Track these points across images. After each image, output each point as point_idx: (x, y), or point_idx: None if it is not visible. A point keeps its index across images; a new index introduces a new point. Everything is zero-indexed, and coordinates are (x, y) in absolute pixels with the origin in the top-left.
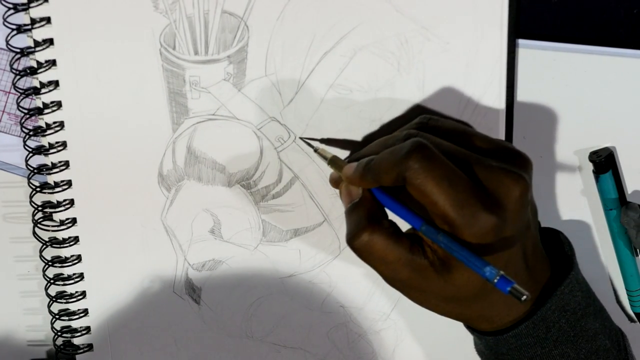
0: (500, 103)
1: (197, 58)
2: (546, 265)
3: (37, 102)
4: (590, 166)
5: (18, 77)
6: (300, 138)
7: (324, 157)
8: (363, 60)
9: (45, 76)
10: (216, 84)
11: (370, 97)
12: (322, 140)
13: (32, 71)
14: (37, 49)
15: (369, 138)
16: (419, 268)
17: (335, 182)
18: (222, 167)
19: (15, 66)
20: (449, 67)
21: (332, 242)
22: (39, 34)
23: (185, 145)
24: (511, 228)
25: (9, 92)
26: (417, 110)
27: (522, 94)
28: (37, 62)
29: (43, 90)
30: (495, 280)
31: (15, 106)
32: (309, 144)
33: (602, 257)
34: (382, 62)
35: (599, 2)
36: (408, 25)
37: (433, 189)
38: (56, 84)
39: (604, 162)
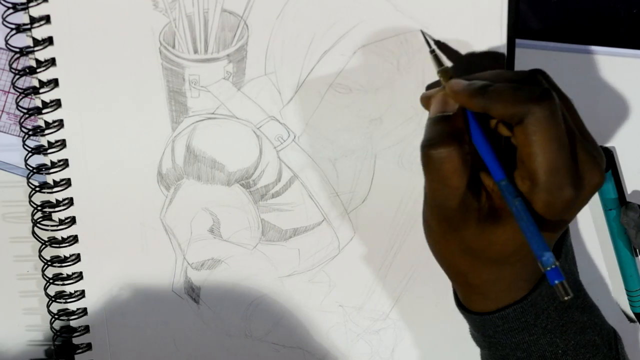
0: None
1: (196, 57)
2: None
3: (37, 101)
4: None
5: (17, 76)
6: (421, 31)
7: (437, 63)
8: (363, 59)
9: (44, 75)
10: (216, 82)
11: (370, 96)
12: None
13: (31, 70)
14: (37, 48)
15: None
16: (466, 206)
17: (426, 99)
18: (222, 166)
19: (14, 65)
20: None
21: (332, 241)
22: (39, 32)
23: (185, 144)
24: (575, 209)
25: (8, 92)
26: (417, 109)
27: None
28: (37, 60)
29: (42, 90)
30: (548, 269)
31: (14, 106)
32: (428, 42)
33: (602, 257)
34: (382, 61)
35: (598, 1)
36: (408, 25)
37: (542, 144)
38: (55, 82)
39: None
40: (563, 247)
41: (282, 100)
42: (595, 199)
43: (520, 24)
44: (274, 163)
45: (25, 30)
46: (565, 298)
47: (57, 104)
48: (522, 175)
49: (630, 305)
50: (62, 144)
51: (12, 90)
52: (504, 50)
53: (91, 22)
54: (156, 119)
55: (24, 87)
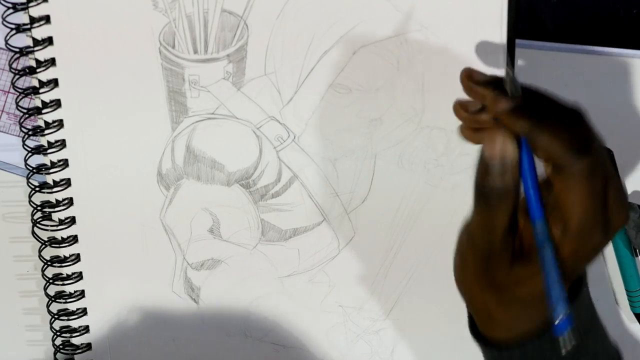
0: None
1: (196, 57)
2: None
3: (36, 101)
4: None
5: (17, 76)
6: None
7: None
8: (362, 59)
9: (44, 75)
10: (215, 82)
11: (370, 96)
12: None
13: (31, 70)
14: (37, 48)
15: None
16: (505, 244)
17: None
18: (222, 166)
19: (14, 65)
20: (448, 66)
21: (331, 241)
22: (39, 32)
23: (185, 144)
24: (597, 255)
25: (8, 92)
26: (417, 110)
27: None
28: (37, 60)
29: (42, 90)
30: (557, 321)
31: (14, 106)
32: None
33: (602, 257)
34: (382, 62)
35: (598, 2)
36: (408, 25)
37: (580, 196)
38: (55, 82)
39: None
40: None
41: (282, 101)
42: None
43: (521, 24)
44: (274, 163)
45: (25, 30)
46: (563, 351)
47: (57, 104)
48: (554, 217)
49: (630, 306)
50: (62, 144)
51: (12, 90)
52: (504, 53)
53: (91, 22)
54: (156, 119)
55: (23, 87)
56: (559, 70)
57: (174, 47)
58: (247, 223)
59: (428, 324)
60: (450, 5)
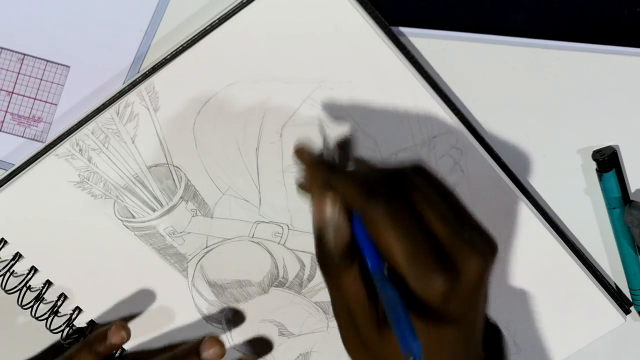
0: (427, 96)
1: (157, 214)
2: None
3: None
4: (593, 165)
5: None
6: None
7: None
8: (293, 136)
9: (49, 295)
10: (189, 224)
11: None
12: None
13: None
14: (15, 273)
15: None
16: (367, 314)
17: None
18: (248, 282)
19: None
20: (366, 99)
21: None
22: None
23: (204, 282)
24: (463, 296)
25: (12, 93)
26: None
27: (525, 93)
28: (26, 280)
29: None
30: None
31: (17, 106)
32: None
33: (605, 255)
34: (310, 127)
35: (602, 0)
36: (306, 88)
37: (390, 236)
38: (79, 311)
39: (607, 161)
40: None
41: (254, 205)
42: (599, 197)
43: (524, 23)
44: (288, 255)
45: None
46: None
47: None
48: (393, 270)
49: (634, 304)
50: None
51: (15, 91)
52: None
53: (57, 243)
54: (164, 278)
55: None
56: (562, 68)
57: (133, 217)
58: (306, 313)
59: None
60: (323, 49)
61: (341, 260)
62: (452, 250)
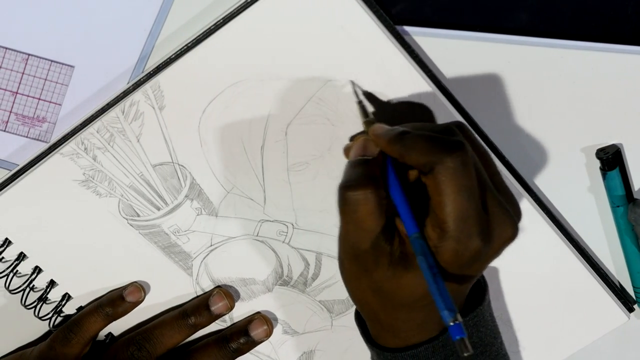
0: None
1: (162, 212)
2: (462, 304)
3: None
4: (597, 163)
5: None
6: (351, 81)
7: (363, 114)
8: (297, 134)
9: (53, 294)
10: (194, 222)
11: (327, 157)
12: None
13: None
14: (19, 273)
15: None
16: (379, 249)
17: (347, 150)
18: (252, 280)
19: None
20: (371, 97)
21: None
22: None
23: (209, 280)
24: (484, 260)
25: (17, 93)
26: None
27: (529, 92)
28: (30, 280)
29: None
30: (451, 324)
31: (22, 106)
32: (356, 92)
33: (609, 253)
34: (315, 126)
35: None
36: (311, 87)
37: (451, 194)
38: (68, 297)
39: (611, 159)
40: (486, 294)
41: (259, 203)
42: (603, 196)
43: (528, 22)
44: (293, 254)
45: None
46: (465, 354)
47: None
48: (432, 223)
49: (637, 301)
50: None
51: (20, 91)
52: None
53: (60, 242)
54: (170, 276)
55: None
56: (566, 67)
57: (138, 215)
58: (310, 311)
59: None
60: (328, 44)
61: (366, 183)
62: (493, 215)
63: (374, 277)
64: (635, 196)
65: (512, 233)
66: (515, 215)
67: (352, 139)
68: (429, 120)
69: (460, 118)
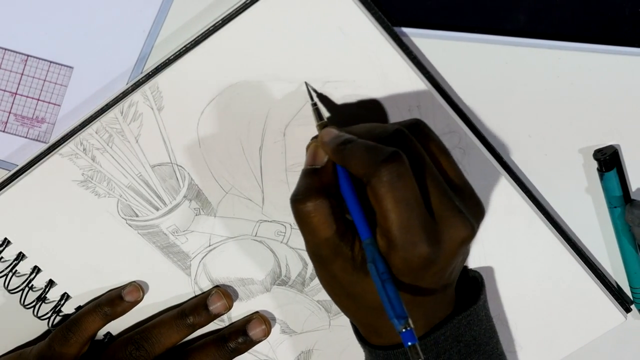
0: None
1: (160, 212)
2: (451, 304)
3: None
4: (594, 164)
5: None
6: (305, 82)
7: (317, 117)
8: (296, 135)
9: (52, 294)
10: (192, 222)
11: None
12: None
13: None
14: (18, 273)
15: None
16: (340, 255)
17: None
18: (250, 280)
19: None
20: (370, 98)
21: None
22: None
23: (208, 280)
24: (440, 264)
25: (16, 94)
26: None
27: (528, 93)
28: (29, 280)
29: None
30: (403, 330)
31: (21, 107)
32: (310, 96)
33: (606, 254)
34: (313, 127)
35: (603, 0)
36: (300, 88)
37: (389, 205)
38: (67, 297)
39: (609, 160)
40: (481, 293)
41: (257, 203)
42: (600, 196)
43: (525, 23)
44: (291, 254)
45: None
46: None
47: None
48: (380, 232)
49: (635, 302)
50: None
51: (19, 92)
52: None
53: (60, 242)
54: (168, 276)
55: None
56: (564, 68)
57: (137, 215)
58: (308, 311)
59: None
60: (326, 47)
61: (314, 194)
62: (440, 218)
63: (342, 282)
64: (633, 197)
65: (465, 233)
66: (471, 214)
67: (308, 146)
68: (381, 120)
69: (457, 119)
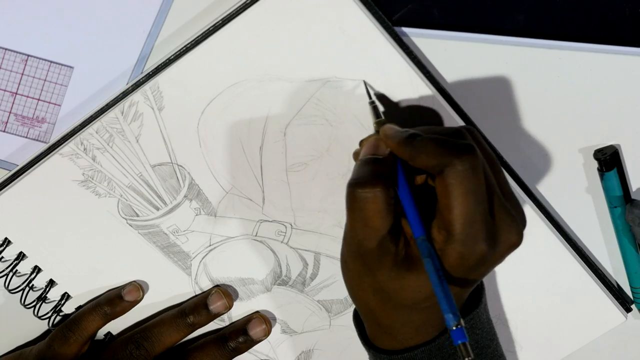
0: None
1: (161, 212)
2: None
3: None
4: (595, 164)
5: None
6: (364, 81)
7: (375, 114)
8: (296, 135)
9: (52, 293)
10: (193, 222)
11: (326, 158)
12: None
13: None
14: (19, 272)
15: None
16: (384, 249)
17: (356, 155)
18: (251, 279)
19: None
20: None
21: None
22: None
23: (208, 279)
24: (488, 265)
25: (16, 93)
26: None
27: (528, 93)
28: (29, 280)
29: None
30: (454, 327)
31: (21, 107)
32: (368, 92)
33: (606, 254)
34: (314, 127)
35: (603, 1)
36: (310, 87)
37: (459, 197)
38: (67, 296)
39: (609, 160)
40: (482, 296)
41: (258, 203)
42: (601, 196)
43: (525, 23)
44: (291, 254)
45: None
46: (466, 359)
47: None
48: (439, 226)
49: (635, 302)
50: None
51: (19, 92)
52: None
53: (58, 238)
54: (168, 276)
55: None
56: (564, 68)
57: (137, 215)
58: (309, 311)
59: None
60: (325, 46)
61: (375, 181)
62: (499, 220)
63: (377, 276)
64: (633, 197)
65: (516, 239)
66: (520, 222)
67: (362, 143)
68: (437, 123)
69: (457, 118)
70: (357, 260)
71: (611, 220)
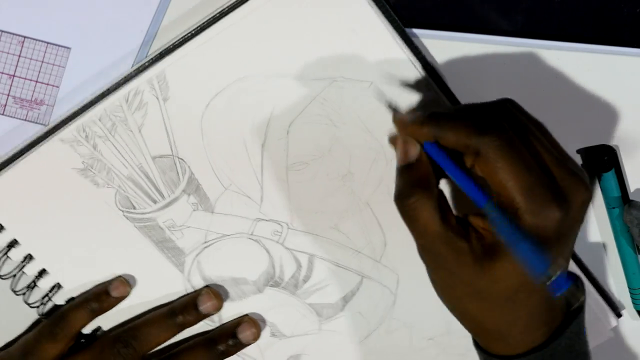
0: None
1: (158, 206)
2: (563, 308)
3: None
4: (593, 165)
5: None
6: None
7: (393, 109)
8: (299, 133)
9: (44, 282)
10: (189, 218)
11: (327, 158)
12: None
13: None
14: (10, 259)
15: None
16: (457, 249)
17: (392, 140)
18: (243, 279)
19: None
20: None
21: (382, 290)
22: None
23: (200, 277)
24: (569, 229)
25: (14, 76)
26: (374, 149)
27: (525, 93)
28: (20, 267)
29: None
30: (554, 277)
31: (19, 90)
32: (381, 93)
33: (604, 255)
34: (318, 126)
35: (602, 1)
36: (317, 86)
37: (508, 167)
38: (59, 286)
39: (607, 161)
40: (583, 298)
41: (256, 201)
42: (599, 197)
43: (524, 23)
44: (286, 255)
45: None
46: (576, 304)
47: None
48: (502, 206)
49: (633, 303)
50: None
51: (17, 74)
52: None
53: (53, 225)
54: (160, 271)
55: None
56: (563, 69)
57: (134, 207)
58: (299, 314)
59: None
60: (334, 44)
61: (414, 190)
62: (562, 180)
63: (464, 278)
64: (631, 198)
65: (587, 195)
66: (584, 177)
67: (391, 140)
68: None
69: None
70: (438, 270)
71: (609, 221)
